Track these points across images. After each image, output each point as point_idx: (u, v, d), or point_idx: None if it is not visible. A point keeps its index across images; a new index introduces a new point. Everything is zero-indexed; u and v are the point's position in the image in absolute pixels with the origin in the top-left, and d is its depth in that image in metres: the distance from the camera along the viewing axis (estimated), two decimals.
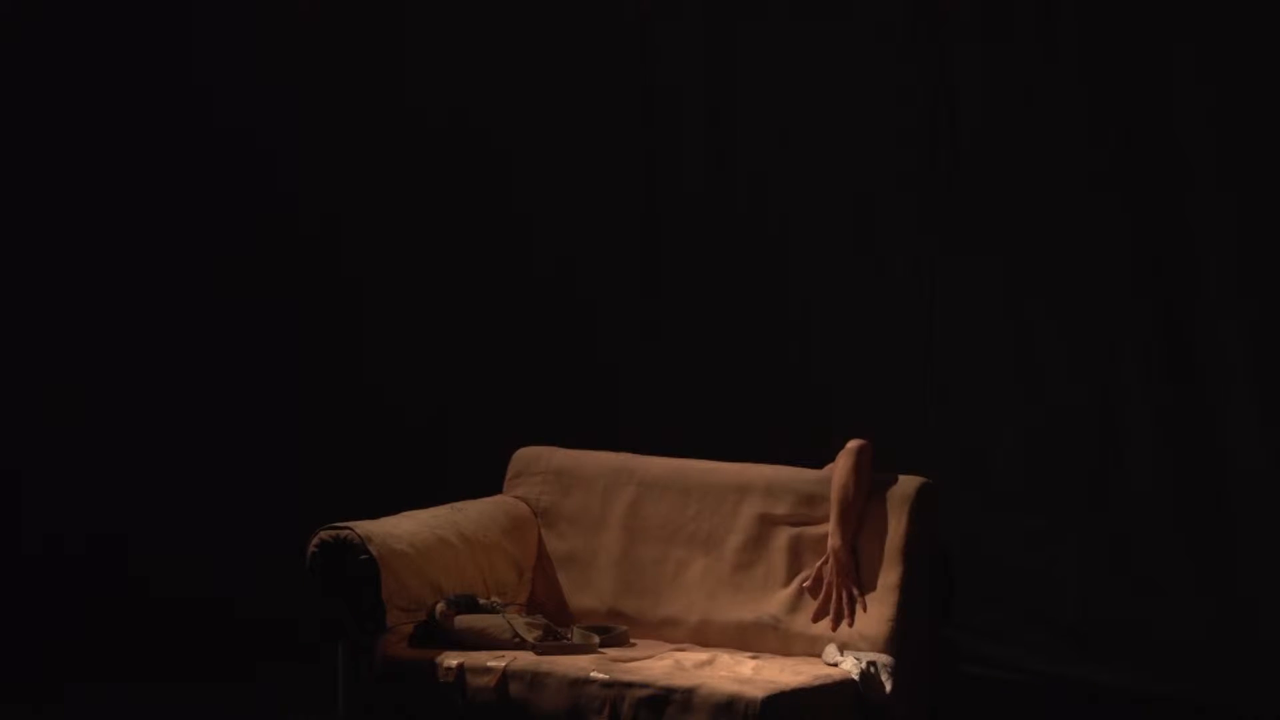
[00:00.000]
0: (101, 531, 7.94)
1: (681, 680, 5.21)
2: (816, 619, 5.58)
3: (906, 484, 5.61)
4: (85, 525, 7.95)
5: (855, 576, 5.56)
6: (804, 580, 5.63)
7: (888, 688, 5.31)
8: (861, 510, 5.58)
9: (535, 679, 5.35)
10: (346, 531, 5.58)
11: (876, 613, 5.46)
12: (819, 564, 5.61)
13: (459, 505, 5.97)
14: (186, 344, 8.03)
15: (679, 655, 5.50)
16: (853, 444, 5.65)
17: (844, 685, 5.30)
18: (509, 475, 6.11)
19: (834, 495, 5.59)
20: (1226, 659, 6.91)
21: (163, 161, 8.04)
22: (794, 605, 5.62)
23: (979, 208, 7.27)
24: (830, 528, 5.59)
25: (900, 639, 5.42)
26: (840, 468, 5.62)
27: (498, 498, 6.08)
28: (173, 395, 8.03)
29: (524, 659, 5.42)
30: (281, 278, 8.02)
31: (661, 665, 5.38)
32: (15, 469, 7.97)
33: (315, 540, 5.58)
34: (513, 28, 7.83)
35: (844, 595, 5.55)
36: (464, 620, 5.59)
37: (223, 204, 8.03)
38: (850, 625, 5.52)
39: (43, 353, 8.00)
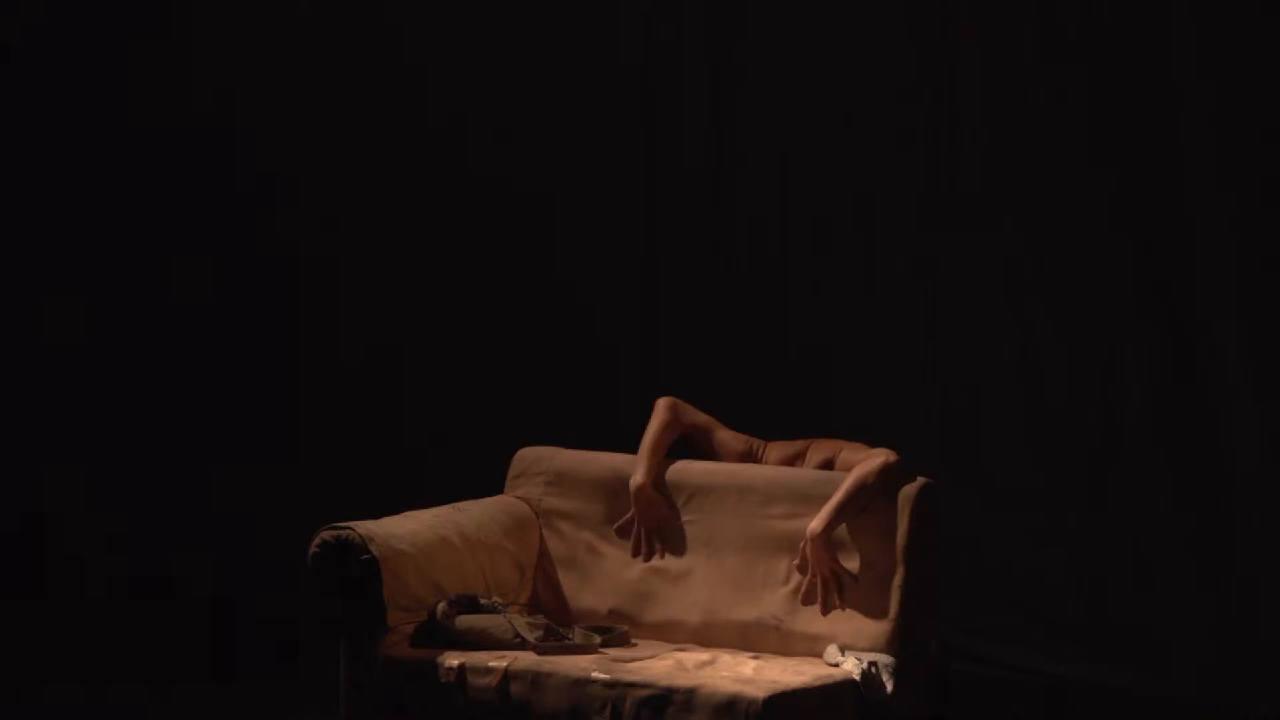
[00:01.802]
0: (102, 531, 7.93)
1: (683, 680, 5.21)
2: (806, 603, 5.57)
3: (907, 484, 5.60)
4: (85, 525, 7.95)
5: (835, 560, 5.53)
6: (795, 561, 5.62)
7: (889, 688, 5.31)
8: (858, 514, 5.55)
9: (537, 679, 5.35)
10: (348, 531, 5.57)
11: (877, 612, 5.45)
12: (801, 545, 5.58)
13: (461, 505, 5.96)
14: (187, 343, 8.03)
15: (680, 655, 5.49)
16: (891, 456, 5.57)
17: (845, 685, 5.29)
18: (510, 475, 6.11)
19: (848, 484, 5.53)
20: (1226, 659, 6.91)
21: (162, 163, 8.04)
22: (794, 605, 5.61)
23: (979, 208, 7.27)
24: (821, 511, 5.54)
25: (901, 639, 5.42)
26: (867, 468, 5.53)
27: (499, 497, 6.08)
28: (173, 395, 8.03)
29: (525, 659, 5.42)
30: (281, 277, 8.02)
31: (663, 665, 5.38)
32: (14, 470, 7.98)
33: (316, 540, 5.58)
34: (514, 25, 7.83)
35: (827, 579, 5.53)
36: (465, 620, 5.58)
37: (223, 204, 8.02)
38: (841, 607, 5.51)
39: (43, 352, 8.00)
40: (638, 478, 5.86)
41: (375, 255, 8.00)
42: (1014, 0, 7.15)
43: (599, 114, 7.77)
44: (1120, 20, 7.02)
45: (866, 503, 5.53)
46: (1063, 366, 7.18)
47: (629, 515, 5.88)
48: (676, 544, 5.85)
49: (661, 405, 5.97)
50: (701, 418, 6.00)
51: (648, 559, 5.85)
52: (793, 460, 5.91)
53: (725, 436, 6.00)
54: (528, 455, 6.11)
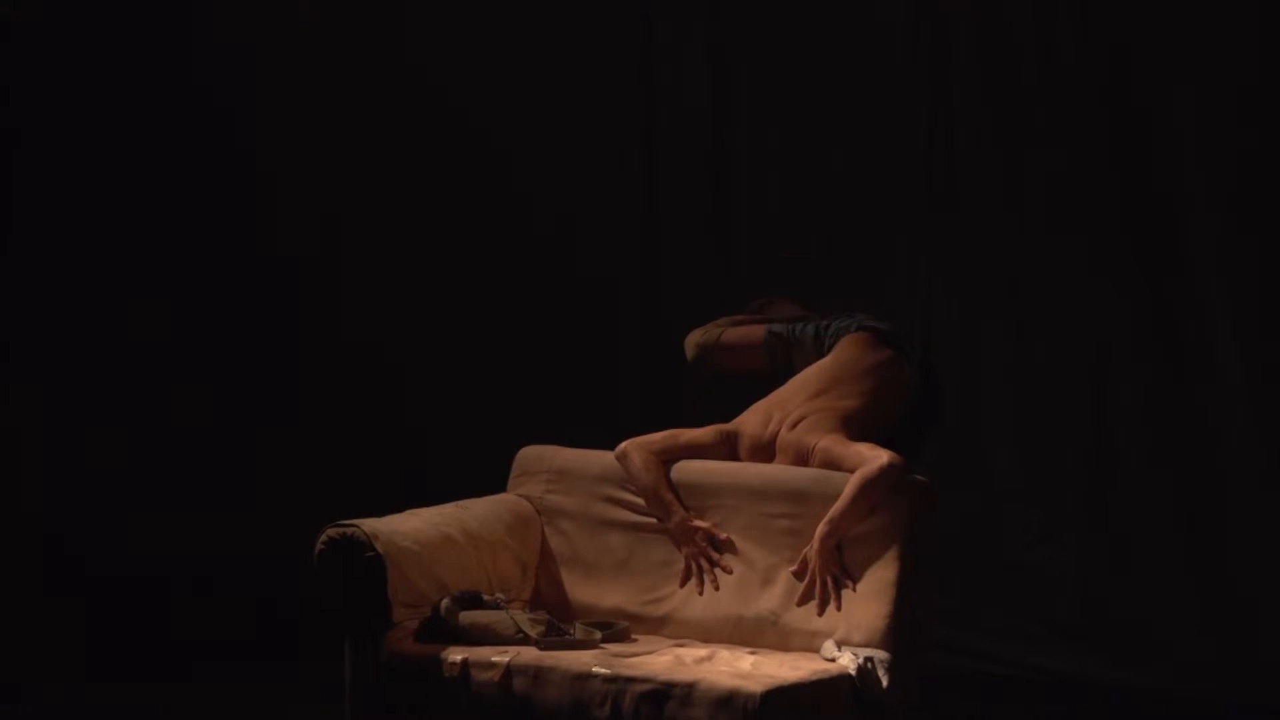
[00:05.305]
0: (102, 531, 7.95)
1: (682, 675, 5.23)
2: (801, 604, 5.61)
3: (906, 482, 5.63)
4: (86, 525, 7.96)
5: (840, 563, 5.56)
6: (791, 567, 5.65)
7: (885, 683, 5.32)
8: (869, 514, 5.57)
9: (538, 674, 5.37)
10: (353, 529, 5.59)
11: (874, 609, 5.46)
12: (805, 549, 5.62)
13: (465, 503, 5.98)
14: (188, 342, 8.04)
15: (679, 651, 5.50)
16: (896, 458, 5.56)
17: (841, 680, 5.30)
18: (512, 474, 6.12)
19: (852, 486, 5.53)
20: (1226, 659, 6.93)
21: (160, 161, 8.06)
22: (792, 601, 5.63)
23: (978, 208, 7.31)
24: (830, 514, 5.56)
25: (897, 635, 5.42)
26: (869, 468, 5.54)
27: (502, 496, 6.09)
28: (175, 394, 8.04)
29: (527, 654, 5.44)
30: (282, 276, 8.04)
31: (662, 660, 5.39)
32: (14, 467, 8.01)
33: (322, 537, 5.59)
34: (514, 23, 7.86)
35: (828, 581, 5.56)
36: (468, 616, 5.60)
37: (223, 202, 8.04)
38: (838, 610, 5.54)
39: (44, 351, 8.02)
40: (673, 519, 5.82)
41: (376, 254, 8.01)
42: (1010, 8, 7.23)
43: (600, 114, 7.79)
44: (1117, 22, 7.06)
45: (876, 502, 5.53)
46: (1060, 366, 7.21)
47: (685, 564, 5.84)
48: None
49: (627, 453, 5.89)
50: (659, 440, 5.92)
51: (714, 581, 5.83)
52: (769, 440, 5.90)
53: (690, 440, 5.95)
54: (529, 454, 6.13)
